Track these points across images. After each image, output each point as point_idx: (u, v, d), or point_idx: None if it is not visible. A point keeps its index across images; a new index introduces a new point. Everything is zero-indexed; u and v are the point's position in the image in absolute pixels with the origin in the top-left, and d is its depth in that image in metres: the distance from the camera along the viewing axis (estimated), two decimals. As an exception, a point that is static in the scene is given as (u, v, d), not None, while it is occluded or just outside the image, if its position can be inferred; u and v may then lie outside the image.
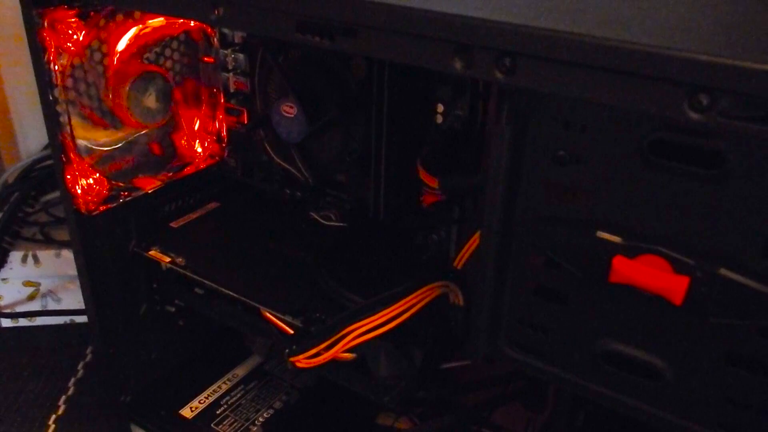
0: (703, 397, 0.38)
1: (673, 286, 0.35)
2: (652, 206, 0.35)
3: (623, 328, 0.39)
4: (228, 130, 0.70)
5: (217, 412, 0.72)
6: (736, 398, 0.37)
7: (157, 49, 0.63)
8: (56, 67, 0.54)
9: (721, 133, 0.32)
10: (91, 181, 0.60)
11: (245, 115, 0.67)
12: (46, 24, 0.53)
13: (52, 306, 0.93)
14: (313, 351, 0.53)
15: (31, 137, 1.05)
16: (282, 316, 0.58)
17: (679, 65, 0.29)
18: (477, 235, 0.47)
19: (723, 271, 0.34)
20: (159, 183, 0.66)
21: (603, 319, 0.39)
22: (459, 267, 0.51)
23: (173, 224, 0.71)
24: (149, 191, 0.65)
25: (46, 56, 0.54)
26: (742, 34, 0.34)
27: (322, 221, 0.70)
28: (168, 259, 0.65)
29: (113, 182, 0.62)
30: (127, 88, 0.59)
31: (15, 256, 0.90)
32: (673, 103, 0.30)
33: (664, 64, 0.30)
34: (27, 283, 0.92)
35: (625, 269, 0.36)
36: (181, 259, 0.65)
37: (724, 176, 0.33)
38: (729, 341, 0.36)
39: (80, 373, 0.82)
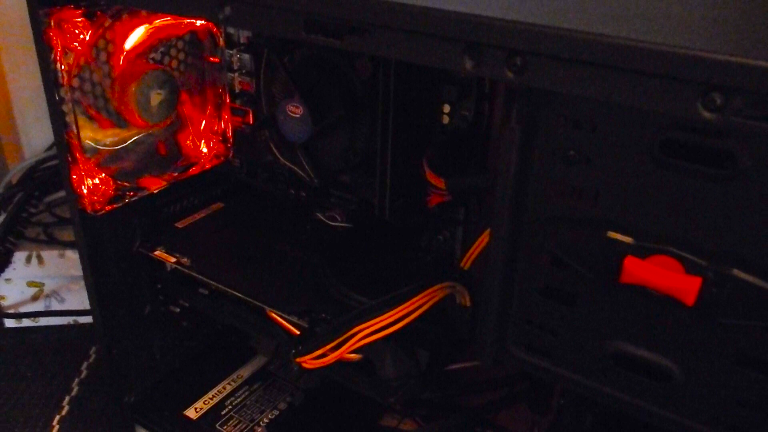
0: (713, 398, 0.38)
1: (686, 286, 0.35)
2: (663, 206, 0.35)
3: (633, 329, 0.39)
4: (233, 131, 0.69)
5: (222, 413, 0.72)
6: (746, 400, 0.37)
7: (163, 49, 0.63)
8: (62, 67, 0.54)
9: (734, 133, 0.32)
10: (96, 181, 0.59)
11: (250, 115, 0.67)
12: (52, 23, 0.53)
13: (55, 306, 0.93)
14: (320, 351, 0.53)
15: (35, 137, 1.06)
16: (287, 317, 0.58)
17: (692, 64, 0.29)
18: (484, 235, 0.47)
19: (736, 272, 0.33)
20: (164, 183, 0.66)
21: (612, 320, 0.39)
22: (466, 267, 0.50)
23: (178, 224, 0.71)
24: (154, 191, 0.65)
25: (53, 56, 0.54)
26: (756, 33, 0.34)
27: (328, 222, 0.70)
28: (173, 260, 0.65)
29: (119, 182, 0.62)
30: (133, 87, 0.59)
31: (19, 257, 0.90)
32: (686, 102, 0.30)
33: (677, 63, 0.29)
34: (31, 284, 0.92)
35: (637, 270, 0.36)
36: (185, 260, 0.65)
37: (735, 176, 0.33)
38: (740, 342, 0.36)
39: (84, 373, 0.82)
